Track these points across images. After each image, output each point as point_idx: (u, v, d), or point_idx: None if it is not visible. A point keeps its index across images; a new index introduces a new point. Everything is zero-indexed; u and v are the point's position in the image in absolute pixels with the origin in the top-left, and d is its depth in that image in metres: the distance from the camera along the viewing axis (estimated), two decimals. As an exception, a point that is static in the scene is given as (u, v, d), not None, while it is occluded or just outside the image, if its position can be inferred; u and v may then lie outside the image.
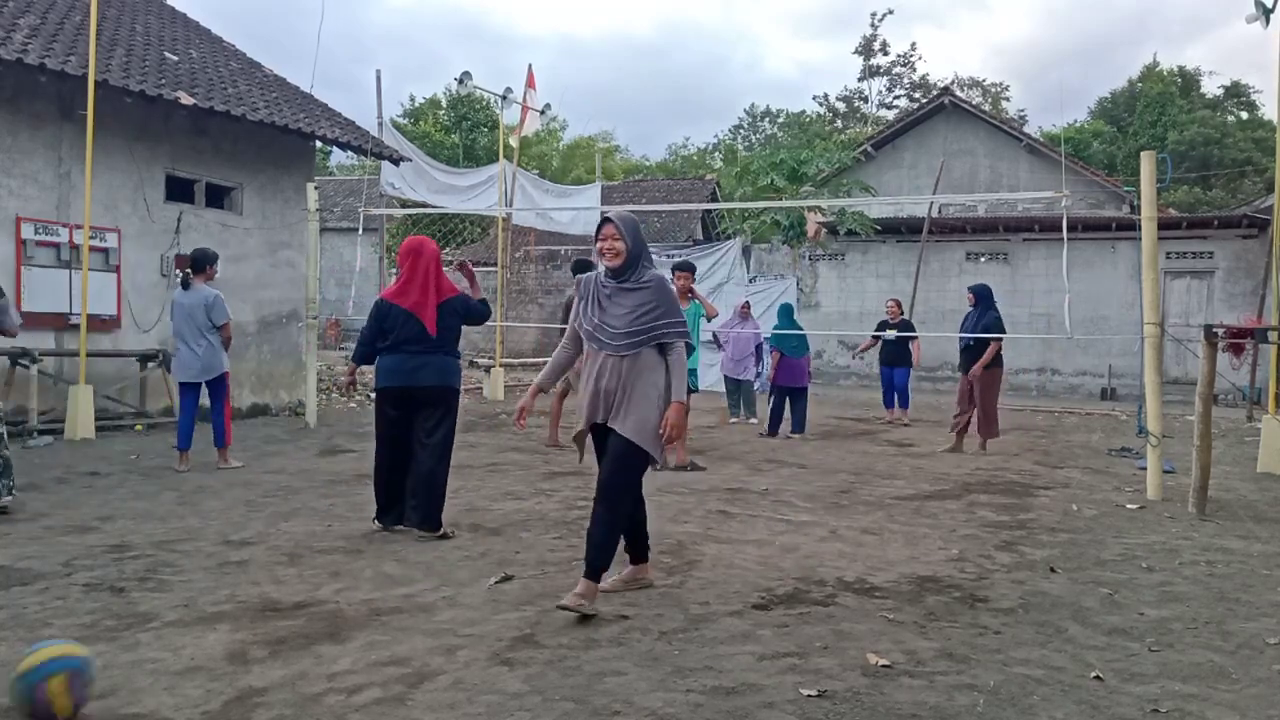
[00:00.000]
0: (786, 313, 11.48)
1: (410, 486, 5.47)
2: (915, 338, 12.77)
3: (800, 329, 11.51)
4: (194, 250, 8.06)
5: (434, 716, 2.98)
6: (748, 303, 13.30)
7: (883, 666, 3.45)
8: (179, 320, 7.71)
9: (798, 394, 11.31)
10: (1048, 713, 3.08)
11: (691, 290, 8.98)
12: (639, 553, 4.46)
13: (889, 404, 13.15)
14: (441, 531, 5.43)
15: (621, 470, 4.08)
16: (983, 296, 10.10)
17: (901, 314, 13.16)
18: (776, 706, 3.08)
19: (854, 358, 13.46)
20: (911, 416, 13.07)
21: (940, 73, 66.08)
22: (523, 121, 16.87)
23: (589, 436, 4.31)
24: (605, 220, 4.20)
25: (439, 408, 5.50)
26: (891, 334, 12.75)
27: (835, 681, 3.30)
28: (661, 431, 4.05)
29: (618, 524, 4.12)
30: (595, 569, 3.99)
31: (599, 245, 4.20)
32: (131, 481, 7.07)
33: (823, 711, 3.05)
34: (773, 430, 11.20)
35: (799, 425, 11.28)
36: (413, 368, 5.43)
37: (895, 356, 12.89)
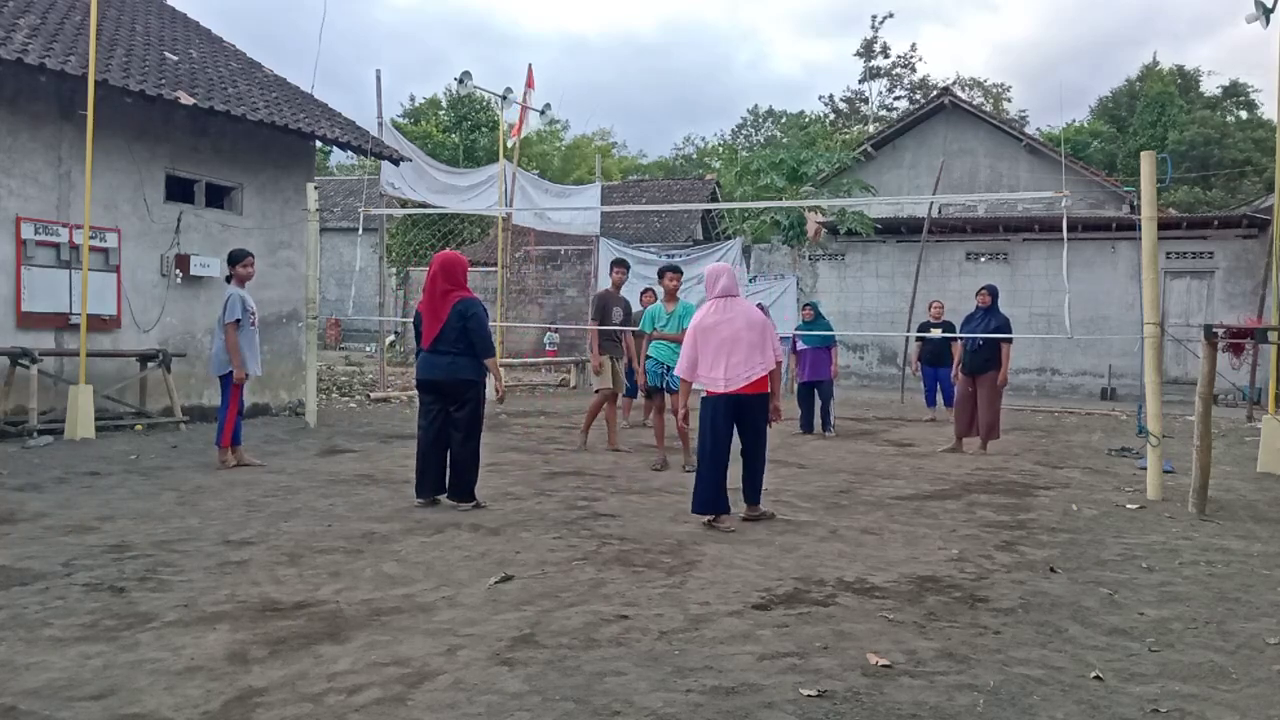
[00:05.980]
0: (814, 308, 11.90)
1: (449, 465, 6.36)
2: (957, 339, 12.84)
3: (827, 324, 11.74)
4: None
5: (434, 716, 2.97)
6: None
7: (883, 666, 3.45)
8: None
9: (822, 388, 11.36)
10: (1048, 713, 3.08)
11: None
12: None
13: (931, 402, 13.21)
14: (474, 503, 6.27)
15: None
16: (996, 298, 10.16)
17: (944, 315, 13.19)
18: (776, 706, 3.08)
19: (914, 373, 13.64)
20: (909, 415, 13.10)
21: (944, 72, 66.34)
22: (521, 122, 16.85)
23: None
24: None
25: (457, 398, 6.34)
26: (936, 333, 12.78)
27: (835, 681, 3.30)
28: None
29: None
30: None
31: None
32: (131, 481, 7.07)
33: (823, 711, 3.05)
34: (805, 428, 11.22)
35: (824, 422, 11.32)
36: (434, 364, 6.33)
37: (939, 356, 12.84)
